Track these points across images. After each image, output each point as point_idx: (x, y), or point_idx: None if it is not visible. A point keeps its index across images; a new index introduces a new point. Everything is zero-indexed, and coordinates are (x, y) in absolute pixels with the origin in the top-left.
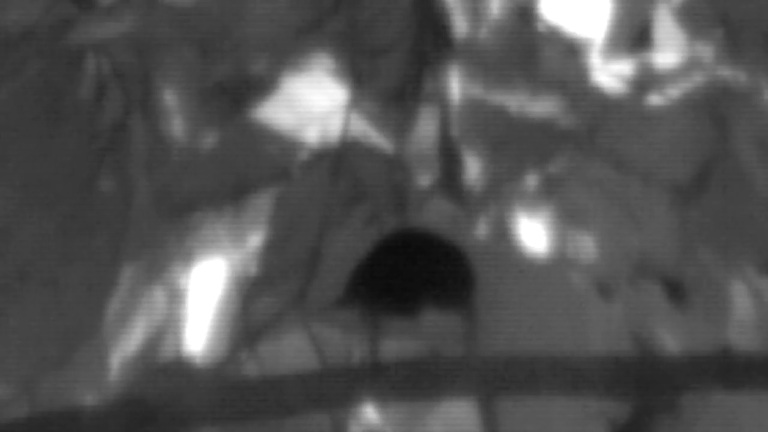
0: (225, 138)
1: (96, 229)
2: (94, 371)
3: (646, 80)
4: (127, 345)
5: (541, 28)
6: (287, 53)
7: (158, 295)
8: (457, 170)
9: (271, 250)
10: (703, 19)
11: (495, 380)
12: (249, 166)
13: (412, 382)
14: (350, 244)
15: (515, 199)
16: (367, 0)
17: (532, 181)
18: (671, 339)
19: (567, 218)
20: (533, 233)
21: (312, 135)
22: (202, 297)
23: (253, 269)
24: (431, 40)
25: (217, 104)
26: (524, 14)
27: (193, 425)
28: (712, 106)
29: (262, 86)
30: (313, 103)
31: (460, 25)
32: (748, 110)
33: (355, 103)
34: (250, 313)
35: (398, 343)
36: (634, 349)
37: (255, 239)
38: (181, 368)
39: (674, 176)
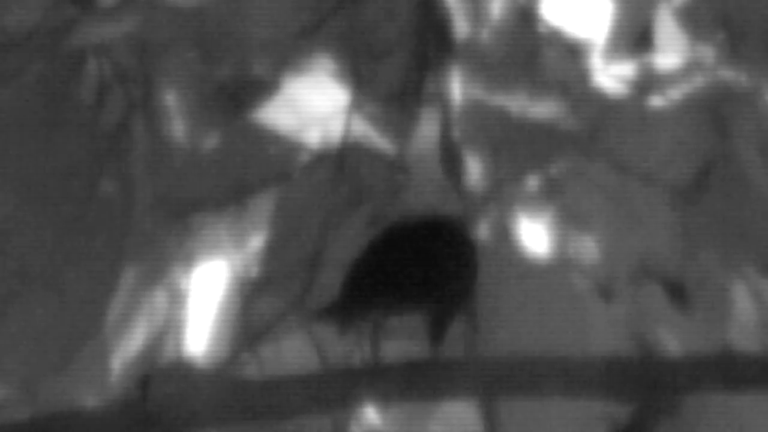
0: (226, 140)
1: (97, 231)
2: (95, 373)
3: (647, 82)
4: (128, 347)
5: (542, 29)
6: (288, 55)
7: (159, 297)
8: (459, 172)
9: (272, 252)
10: (704, 21)
11: (496, 381)
12: (250, 168)
13: (413, 384)
14: (351, 246)
15: (516, 200)
16: (369, 2)
17: (533, 182)
18: (672, 340)
19: (568, 220)
20: (534, 235)
21: (313, 137)
22: (203, 299)
23: (254, 271)
24: (432, 42)
25: (218, 106)
26: (525, 16)
27: (194, 427)
28: (713, 108)
29: (264, 88)
30: (314, 104)
31: (461, 27)
32: (748, 112)
33: (356, 105)
34: (251, 314)
35: (399, 344)
36: (635, 351)
37: (256, 241)
38: (182, 370)
39: (675, 178)
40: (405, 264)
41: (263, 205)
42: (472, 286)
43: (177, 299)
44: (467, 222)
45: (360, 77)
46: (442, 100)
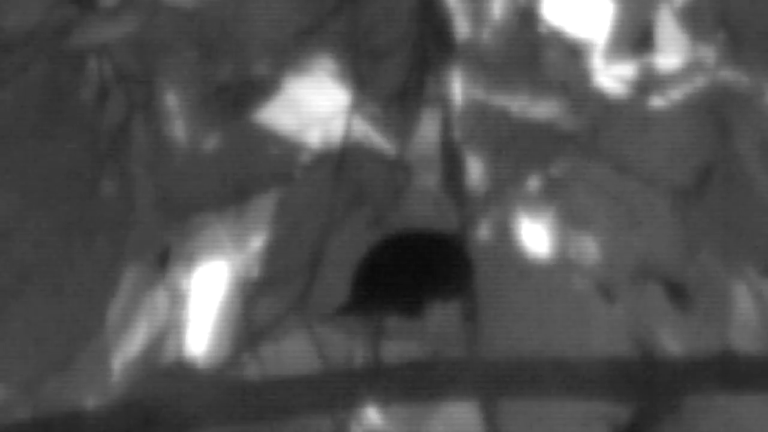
0: (227, 140)
1: (98, 231)
2: (96, 374)
3: (647, 82)
4: (129, 347)
5: (543, 30)
6: (289, 55)
7: (160, 298)
8: (459, 173)
9: (273, 253)
10: (705, 22)
11: (497, 382)
12: (251, 169)
13: (414, 384)
14: (352, 247)
15: (517, 201)
16: (369, 2)
17: (534, 183)
18: (673, 341)
19: (569, 220)
20: (535, 235)
21: (314, 137)
22: (203, 299)
23: (254, 271)
24: (433, 43)
25: (219, 106)
26: (526, 16)
27: (195, 427)
28: (714, 109)
29: (264, 88)
30: (315, 105)
31: (462, 27)
32: (749, 112)
33: (357, 105)
34: (252, 315)
35: (400, 344)
36: (635, 351)
37: (257, 241)
38: (182, 370)
39: (676, 178)
40: (399, 278)
41: (264, 206)
42: (469, 282)
43: (178, 300)
44: (465, 232)
45: (360, 78)
46: (442, 101)
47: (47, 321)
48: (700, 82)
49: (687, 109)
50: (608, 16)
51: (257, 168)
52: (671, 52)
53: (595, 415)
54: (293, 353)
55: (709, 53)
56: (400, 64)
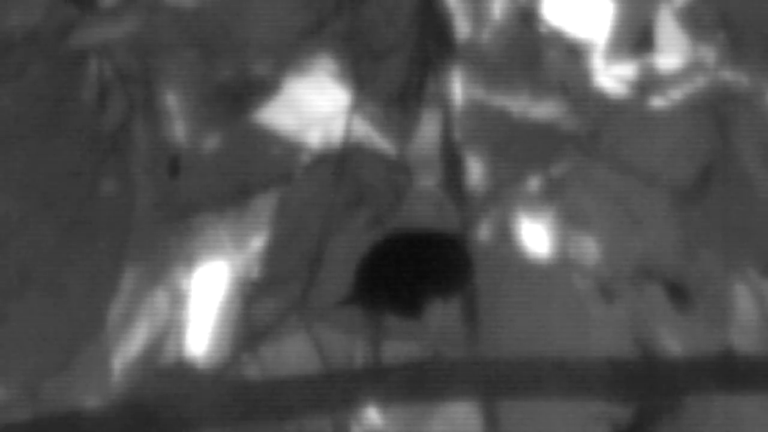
0: (227, 140)
1: (98, 232)
2: (97, 374)
3: (648, 83)
4: (129, 347)
5: (543, 30)
6: (289, 56)
7: (160, 298)
8: (460, 173)
9: (273, 253)
10: (705, 22)
11: (497, 382)
12: (251, 169)
13: (414, 384)
14: (352, 247)
15: (517, 201)
16: (370, 2)
17: (534, 183)
18: (673, 341)
19: (569, 221)
20: (535, 236)
21: (314, 137)
22: (204, 300)
23: (255, 272)
24: (433, 43)
25: (219, 107)
26: (526, 17)
27: (195, 427)
28: (714, 109)
29: (265, 89)
30: (315, 105)
31: (462, 27)
32: (749, 113)
33: (357, 105)
34: (252, 315)
35: (400, 345)
36: (636, 352)
37: (257, 242)
38: (182, 371)
39: (676, 179)
40: (400, 278)
41: (264, 206)
42: (467, 279)
43: (178, 300)
44: (466, 232)
45: (361, 78)
46: (443, 101)
47: (47, 321)
48: (700, 82)
49: (687, 109)
50: (608, 16)
51: (257, 168)
52: (671, 52)
53: (595, 415)
54: (293, 353)
55: (709, 53)
56: (400, 64)
